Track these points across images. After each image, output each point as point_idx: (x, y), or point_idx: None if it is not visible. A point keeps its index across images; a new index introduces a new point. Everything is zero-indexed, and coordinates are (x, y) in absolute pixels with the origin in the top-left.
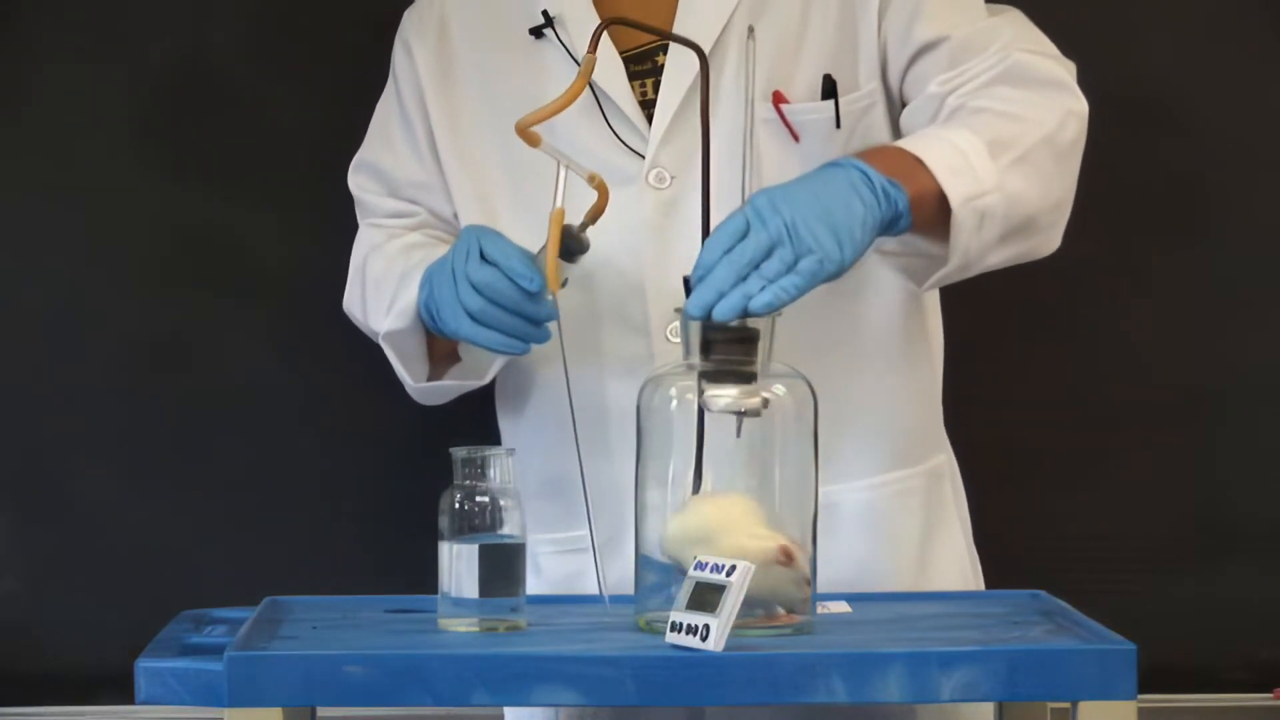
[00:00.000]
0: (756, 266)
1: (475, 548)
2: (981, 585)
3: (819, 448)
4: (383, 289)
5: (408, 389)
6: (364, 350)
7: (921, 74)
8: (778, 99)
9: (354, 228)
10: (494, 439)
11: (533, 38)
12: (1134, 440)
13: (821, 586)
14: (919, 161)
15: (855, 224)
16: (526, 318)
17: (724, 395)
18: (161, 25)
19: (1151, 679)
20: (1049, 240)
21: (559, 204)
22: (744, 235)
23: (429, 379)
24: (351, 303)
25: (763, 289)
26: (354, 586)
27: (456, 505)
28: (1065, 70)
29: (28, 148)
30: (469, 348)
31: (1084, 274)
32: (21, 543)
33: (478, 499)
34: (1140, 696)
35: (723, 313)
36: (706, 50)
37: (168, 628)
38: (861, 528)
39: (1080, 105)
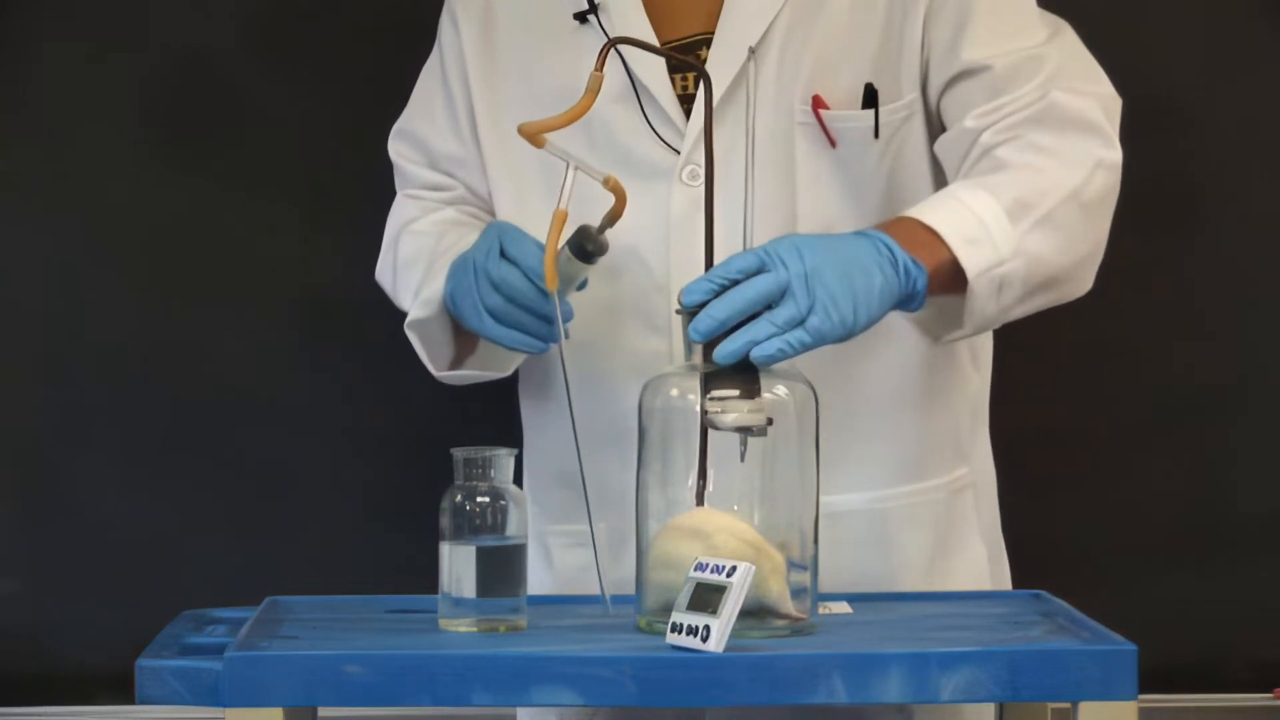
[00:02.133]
0: (769, 307)
1: (475, 548)
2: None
3: (827, 454)
4: (412, 271)
5: (432, 373)
6: (365, 350)
7: (960, 100)
8: (817, 104)
9: (357, 227)
10: (496, 439)
11: (576, 23)
12: (1134, 440)
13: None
14: (936, 233)
15: (874, 294)
16: (545, 317)
17: (730, 413)
18: (163, 23)
19: (1152, 679)
20: (1078, 287)
21: (564, 205)
22: (757, 273)
23: (456, 361)
24: (383, 274)
25: (769, 338)
26: (354, 586)
27: (457, 505)
28: (1103, 111)
29: (28, 147)
30: (489, 343)
31: None
32: (21, 543)
33: (478, 499)
34: (1140, 696)
35: (723, 356)
36: (750, 47)
37: (168, 628)
38: (868, 540)
39: (1112, 154)
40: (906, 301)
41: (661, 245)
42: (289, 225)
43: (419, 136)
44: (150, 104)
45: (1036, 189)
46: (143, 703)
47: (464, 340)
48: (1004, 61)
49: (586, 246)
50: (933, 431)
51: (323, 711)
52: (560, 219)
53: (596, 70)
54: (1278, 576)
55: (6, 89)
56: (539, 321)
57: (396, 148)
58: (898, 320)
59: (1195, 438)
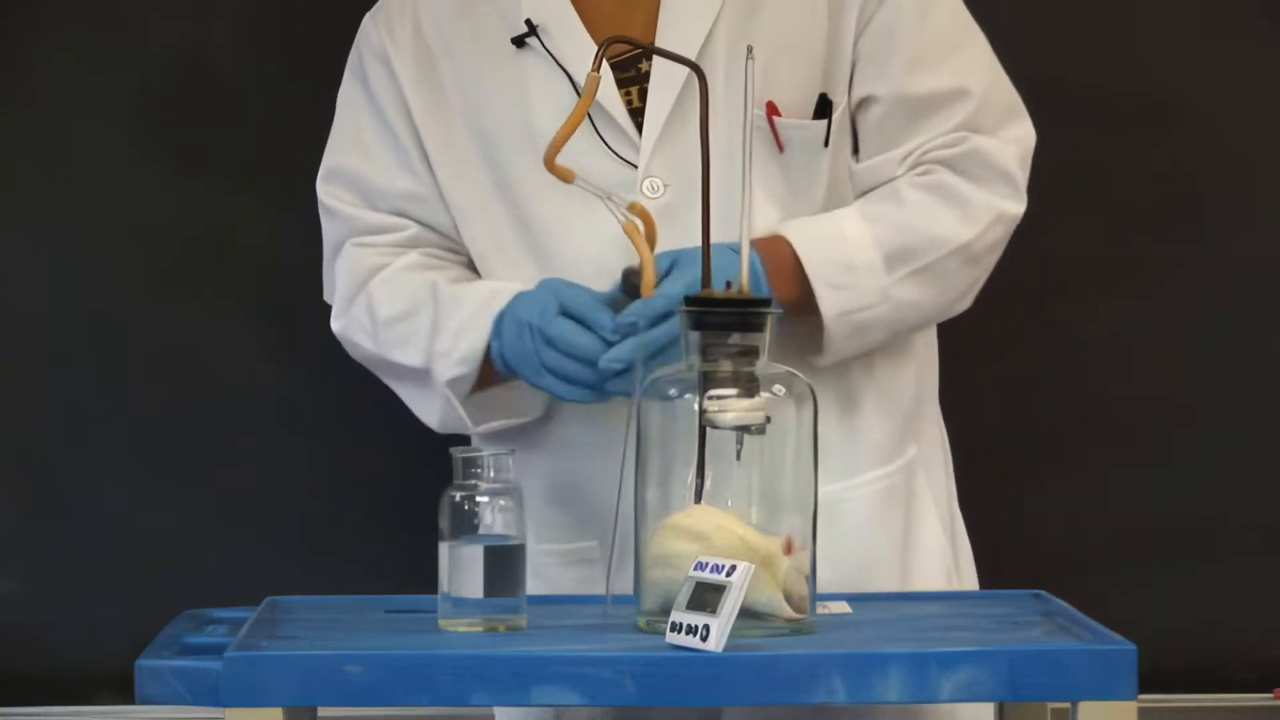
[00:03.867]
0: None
1: (476, 548)
2: (967, 572)
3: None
4: (414, 322)
5: (430, 420)
6: None
7: (877, 121)
8: (771, 110)
9: None
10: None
11: (514, 48)
12: (1134, 440)
13: (822, 587)
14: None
15: None
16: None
17: (728, 412)
18: (162, 24)
19: (1152, 679)
20: (955, 311)
21: (627, 219)
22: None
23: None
24: (352, 328)
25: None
26: (354, 586)
27: (456, 505)
28: (1019, 159)
29: (29, 147)
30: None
31: (1084, 273)
32: (21, 543)
33: (478, 499)
34: (1140, 696)
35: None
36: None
37: (168, 627)
38: (850, 527)
39: (1016, 207)
40: None
41: (627, 259)
42: (290, 227)
43: (356, 177)
44: (151, 104)
45: (924, 239)
46: (143, 703)
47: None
48: (926, 89)
49: (635, 283)
50: (896, 417)
51: (322, 711)
52: (635, 229)
53: (594, 71)
54: (1278, 576)
55: (7, 88)
56: (598, 375)
57: (330, 190)
58: None
59: (1196, 438)
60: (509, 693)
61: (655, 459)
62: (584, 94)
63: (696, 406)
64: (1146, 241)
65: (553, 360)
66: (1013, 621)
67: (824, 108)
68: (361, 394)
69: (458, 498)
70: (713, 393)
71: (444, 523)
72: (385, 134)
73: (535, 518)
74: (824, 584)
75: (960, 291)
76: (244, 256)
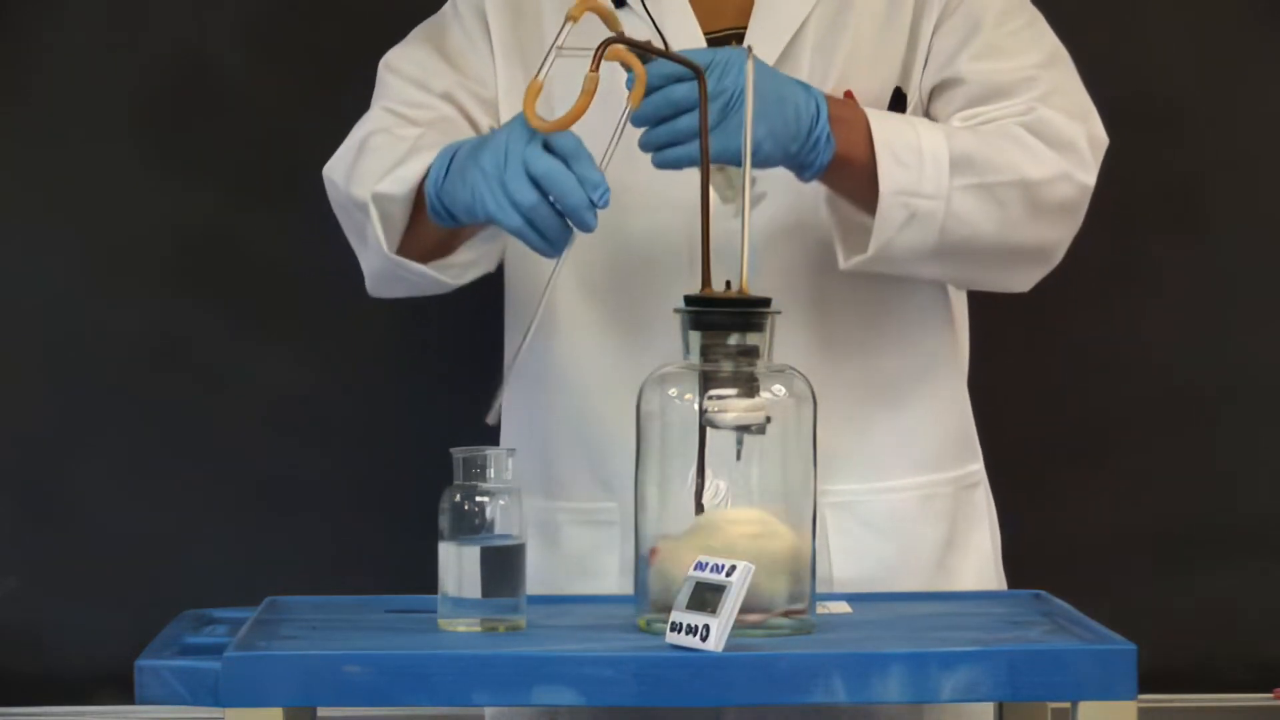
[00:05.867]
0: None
1: (476, 548)
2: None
3: (843, 443)
4: (381, 155)
5: (368, 272)
6: (365, 350)
7: (947, 105)
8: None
9: None
10: (495, 438)
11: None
12: (1134, 440)
13: (836, 586)
14: (871, 139)
15: (789, 138)
16: (577, 224)
17: (729, 412)
18: (162, 24)
19: (1151, 679)
20: (1009, 279)
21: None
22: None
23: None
24: (334, 167)
25: (670, 148)
26: (354, 586)
27: (456, 505)
28: (1088, 142)
29: (29, 147)
30: (476, 243)
31: (1085, 274)
32: (21, 543)
33: (478, 499)
34: (1140, 696)
35: (644, 143)
36: (783, 45)
37: (168, 628)
38: (882, 530)
39: (1083, 175)
40: (801, 169)
41: (695, 232)
42: (289, 226)
43: (424, 58)
44: (151, 104)
45: (991, 162)
46: (142, 703)
47: (418, 247)
48: (998, 78)
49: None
50: (945, 423)
51: (322, 711)
52: (594, 83)
53: (592, 70)
54: (1278, 577)
55: (7, 88)
56: (566, 230)
57: (391, 65)
58: (924, 312)
59: (1196, 438)
60: (509, 693)
61: (656, 459)
62: (582, 93)
63: (696, 406)
64: (1146, 243)
65: (526, 199)
66: (1013, 621)
67: (898, 103)
68: (362, 394)
69: (458, 497)
70: (713, 393)
71: (444, 522)
72: (466, 39)
73: (552, 471)
74: (838, 585)
75: (1019, 241)
76: (244, 256)
